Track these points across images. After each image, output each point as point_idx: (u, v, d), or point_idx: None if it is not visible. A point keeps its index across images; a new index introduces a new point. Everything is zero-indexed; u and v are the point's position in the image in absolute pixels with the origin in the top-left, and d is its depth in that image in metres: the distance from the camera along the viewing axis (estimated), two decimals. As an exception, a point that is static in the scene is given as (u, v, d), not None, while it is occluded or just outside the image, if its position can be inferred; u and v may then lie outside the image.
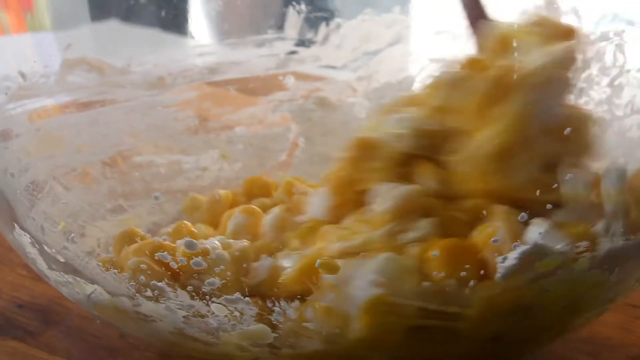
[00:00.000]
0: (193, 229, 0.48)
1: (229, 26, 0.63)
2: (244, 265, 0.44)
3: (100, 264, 0.44)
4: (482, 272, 0.40)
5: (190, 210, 0.54)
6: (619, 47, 0.52)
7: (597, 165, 0.46)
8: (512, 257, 0.40)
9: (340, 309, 0.40)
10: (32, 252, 0.46)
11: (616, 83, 0.53)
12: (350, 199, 0.46)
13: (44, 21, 0.55)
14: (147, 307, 0.43)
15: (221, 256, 0.43)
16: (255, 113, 0.63)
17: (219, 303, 0.41)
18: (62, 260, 0.45)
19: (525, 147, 0.43)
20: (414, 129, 0.46)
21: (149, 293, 0.42)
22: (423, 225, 0.42)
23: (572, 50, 0.46)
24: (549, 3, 0.55)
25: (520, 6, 0.56)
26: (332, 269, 0.41)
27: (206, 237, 0.46)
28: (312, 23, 0.62)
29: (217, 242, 0.44)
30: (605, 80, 0.53)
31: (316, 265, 0.41)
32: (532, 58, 0.45)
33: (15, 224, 0.47)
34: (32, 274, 0.52)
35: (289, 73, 0.63)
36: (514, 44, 0.46)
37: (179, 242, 0.43)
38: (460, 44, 0.60)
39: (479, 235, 0.42)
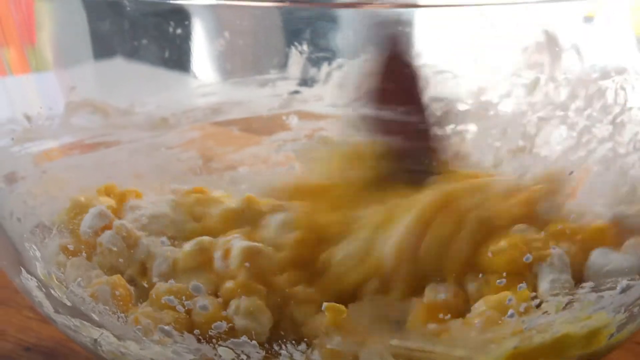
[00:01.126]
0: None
1: (232, 66, 0.63)
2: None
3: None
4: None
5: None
6: (621, 85, 0.53)
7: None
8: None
9: (348, 352, 0.40)
10: (39, 295, 0.46)
11: (618, 121, 0.53)
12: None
13: (46, 57, 0.55)
14: (154, 350, 0.43)
15: None
16: (259, 153, 0.63)
17: (225, 346, 0.41)
18: (68, 304, 0.45)
19: None
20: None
21: (155, 337, 0.42)
22: None
23: None
24: (550, 40, 0.55)
25: (521, 43, 0.57)
26: (338, 312, 0.41)
27: None
28: (314, 63, 0.62)
29: None
30: (607, 118, 0.53)
31: (322, 309, 0.41)
32: None
33: (22, 268, 0.47)
34: (38, 316, 0.52)
35: (292, 112, 0.63)
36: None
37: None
38: (461, 83, 0.61)
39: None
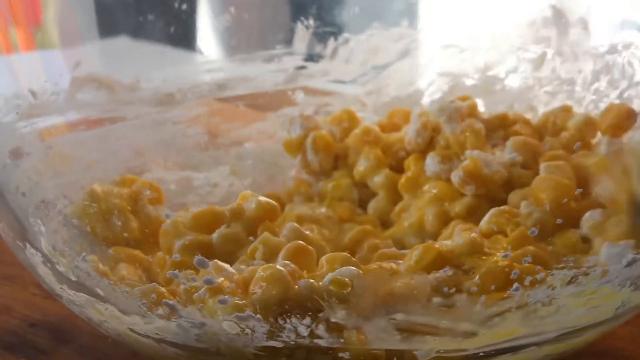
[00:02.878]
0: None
1: (238, 42, 0.63)
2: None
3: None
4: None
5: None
6: (628, 60, 0.52)
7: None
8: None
9: (352, 326, 0.40)
10: (44, 271, 0.46)
11: (625, 95, 0.53)
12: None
13: (53, 38, 0.55)
14: (159, 325, 0.43)
15: None
16: (265, 128, 0.63)
17: (230, 320, 0.41)
18: (73, 279, 0.45)
19: None
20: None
21: (160, 311, 0.42)
22: None
23: None
24: (557, 15, 0.55)
25: (528, 17, 0.57)
26: (343, 285, 0.41)
27: None
28: (320, 38, 0.62)
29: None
30: (614, 93, 0.53)
31: (327, 282, 0.41)
32: None
33: (27, 243, 0.47)
34: (44, 292, 0.52)
35: (298, 88, 0.63)
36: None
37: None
38: (468, 57, 0.60)
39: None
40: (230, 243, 0.48)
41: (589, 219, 0.45)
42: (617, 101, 0.53)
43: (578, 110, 0.54)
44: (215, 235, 0.47)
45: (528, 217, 0.46)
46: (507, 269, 0.41)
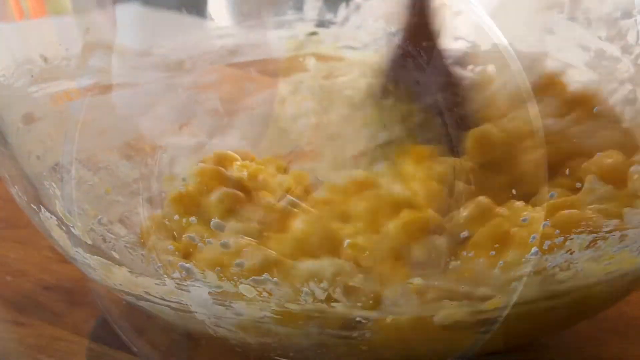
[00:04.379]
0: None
1: (249, 8, 0.63)
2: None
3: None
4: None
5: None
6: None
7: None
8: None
9: (370, 290, 0.40)
10: (59, 234, 0.46)
11: (639, 62, 0.52)
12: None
13: (65, 5, 0.55)
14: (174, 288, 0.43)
15: None
16: (276, 94, 0.62)
17: (247, 284, 0.41)
18: (89, 242, 0.45)
19: None
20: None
21: (176, 274, 0.42)
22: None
23: None
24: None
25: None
26: (360, 249, 0.41)
27: None
28: (331, 4, 0.61)
29: None
30: (628, 59, 0.53)
31: (345, 246, 0.41)
32: None
33: (42, 206, 0.47)
34: (58, 256, 0.53)
35: (309, 54, 0.62)
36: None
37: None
38: (479, 24, 0.60)
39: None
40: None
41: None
42: (630, 68, 0.53)
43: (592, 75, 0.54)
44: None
45: (589, 193, 0.45)
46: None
